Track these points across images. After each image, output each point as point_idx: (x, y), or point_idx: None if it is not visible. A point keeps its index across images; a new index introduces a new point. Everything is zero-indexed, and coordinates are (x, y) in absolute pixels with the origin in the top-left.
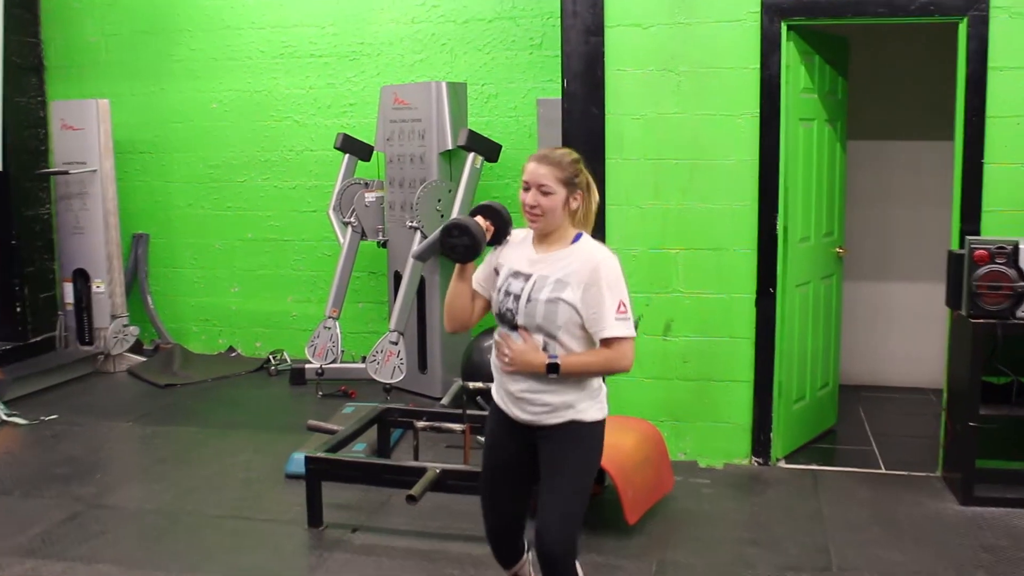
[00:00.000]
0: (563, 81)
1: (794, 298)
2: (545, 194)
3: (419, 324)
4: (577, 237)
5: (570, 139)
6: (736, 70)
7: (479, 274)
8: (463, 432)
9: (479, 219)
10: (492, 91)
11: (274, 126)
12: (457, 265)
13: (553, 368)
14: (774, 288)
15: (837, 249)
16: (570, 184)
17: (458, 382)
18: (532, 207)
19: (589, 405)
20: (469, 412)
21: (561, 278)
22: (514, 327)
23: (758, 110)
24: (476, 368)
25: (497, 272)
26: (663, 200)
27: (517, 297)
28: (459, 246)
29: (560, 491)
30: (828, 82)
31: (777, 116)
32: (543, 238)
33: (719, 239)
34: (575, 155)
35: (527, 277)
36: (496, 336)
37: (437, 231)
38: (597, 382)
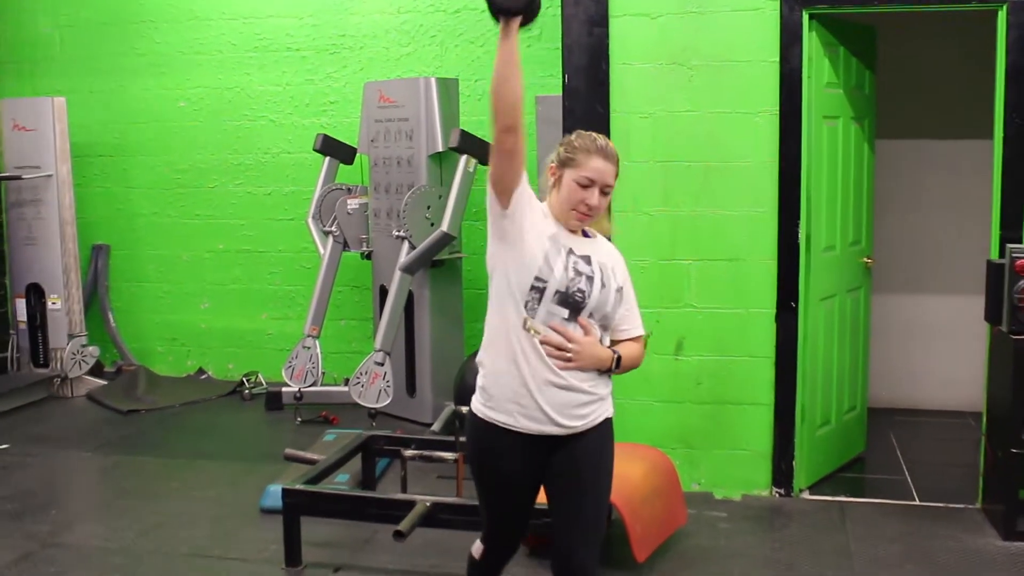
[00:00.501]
0: (564, 76)
1: (818, 313)
2: (605, 195)
3: (407, 343)
4: (585, 232)
5: None
6: (754, 63)
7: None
8: (455, 461)
9: None
10: (486, 88)
11: (247, 126)
12: (503, 24)
13: (618, 362)
14: (796, 302)
15: (865, 259)
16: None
17: (450, 406)
18: (593, 208)
19: (608, 397)
20: (462, 439)
21: (613, 267)
22: (573, 313)
23: (778, 107)
24: (470, 391)
25: (534, 226)
26: (674, 206)
27: (591, 279)
28: (514, 4)
29: (595, 498)
30: (854, 76)
31: (799, 113)
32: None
33: (735, 249)
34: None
35: (588, 259)
36: (536, 326)
37: (427, 240)
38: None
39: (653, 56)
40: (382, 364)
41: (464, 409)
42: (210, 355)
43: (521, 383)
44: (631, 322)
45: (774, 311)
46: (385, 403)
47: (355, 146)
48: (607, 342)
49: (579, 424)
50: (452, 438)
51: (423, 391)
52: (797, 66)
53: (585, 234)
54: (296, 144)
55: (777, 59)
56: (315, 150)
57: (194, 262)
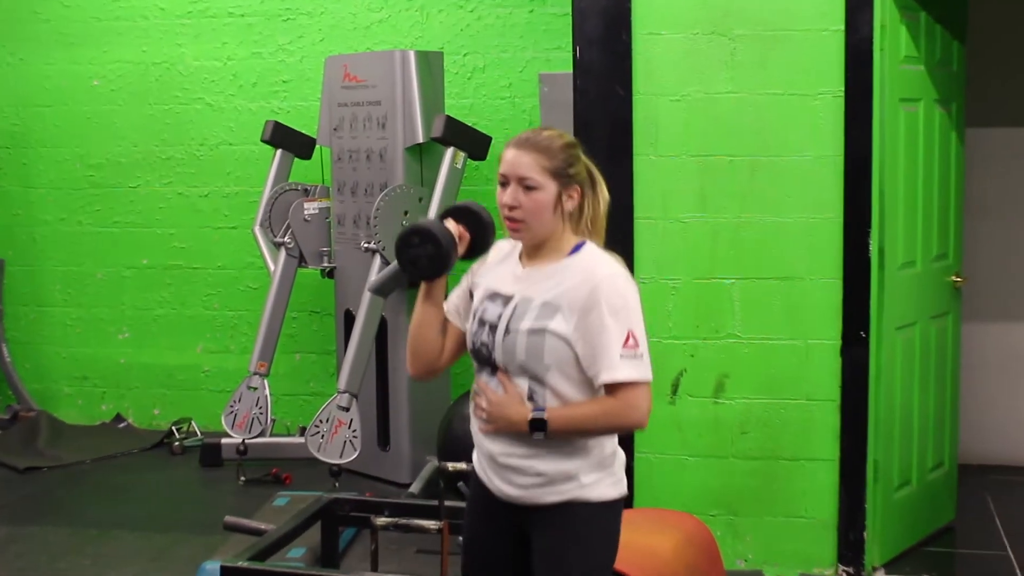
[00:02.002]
0: (575, 49)
1: (894, 345)
2: (528, 190)
3: (379, 383)
4: (577, 247)
5: (585, 128)
6: (813, 33)
7: (453, 298)
8: (440, 531)
9: (450, 223)
10: (478, 63)
11: (179, 111)
12: (423, 285)
13: (538, 425)
14: (867, 332)
15: (953, 278)
16: (562, 176)
17: (432, 462)
18: (511, 208)
19: (598, 478)
20: (448, 504)
21: (549, 300)
22: (493, 367)
23: (843, 88)
24: (457, 442)
25: (472, 294)
26: (713, 212)
27: (493, 327)
28: (421, 257)
29: None
30: (939, 49)
31: (869, 96)
32: (534, 251)
33: (790, 265)
34: (569, 138)
35: (507, 300)
36: (475, 384)
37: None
38: (610, 445)
39: (687, 24)
40: (347, 409)
41: (450, 466)
42: (130, 398)
43: (473, 428)
44: (598, 363)
45: (839, 343)
46: (351, 458)
47: (313, 136)
48: (569, 396)
49: (515, 494)
50: (435, 502)
51: (399, 443)
52: (867, 36)
53: (576, 249)
54: (240, 133)
55: (842, 27)
56: (264, 141)
57: (111, 281)
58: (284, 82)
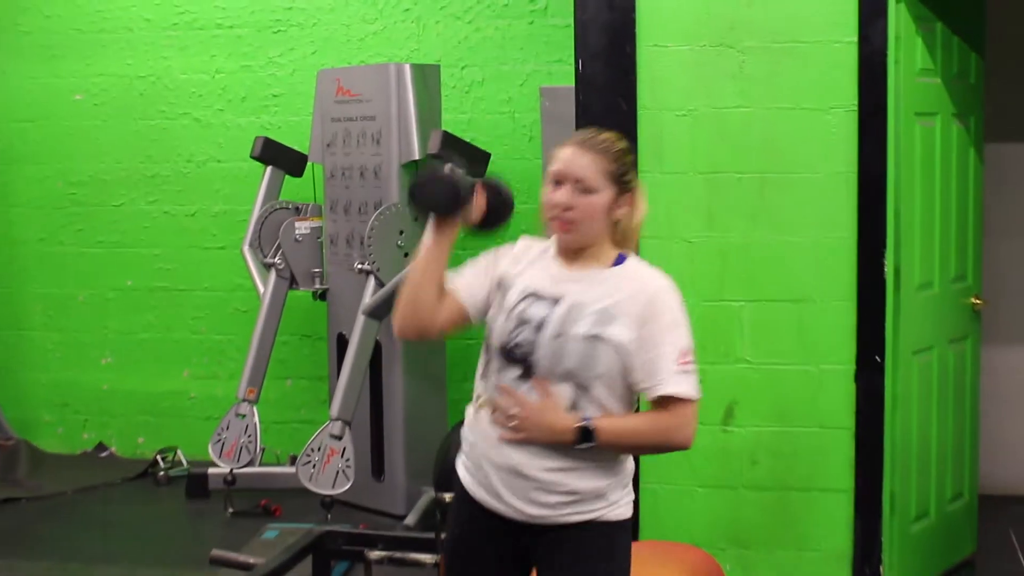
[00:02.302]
0: (577, 62)
1: (911, 371)
2: (585, 192)
3: (373, 410)
4: (621, 257)
5: None
6: (824, 44)
7: (468, 274)
8: (437, 566)
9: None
10: (477, 76)
11: (165, 126)
12: (432, 224)
13: (586, 435)
14: (882, 356)
15: (973, 300)
16: (620, 182)
17: (429, 493)
18: (565, 209)
19: (620, 496)
20: (445, 536)
21: (607, 307)
22: (526, 372)
23: (856, 101)
24: (455, 473)
25: (500, 287)
26: (721, 231)
27: (539, 327)
28: (435, 195)
29: None
30: (956, 61)
31: (884, 110)
32: (574, 254)
33: (802, 286)
34: (625, 143)
35: (554, 301)
36: (485, 389)
37: (400, 275)
38: (629, 463)
39: (694, 36)
40: (340, 438)
41: (448, 497)
42: (114, 426)
43: (478, 447)
44: (653, 375)
45: (853, 368)
46: (344, 488)
47: (305, 152)
48: (609, 408)
49: (541, 514)
50: (431, 535)
51: (394, 473)
52: (881, 47)
53: (620, 260)
54: (228, 150)
55: (855, 38)
56: (253, 157)
57: (94, 304)
58: (275, 96)
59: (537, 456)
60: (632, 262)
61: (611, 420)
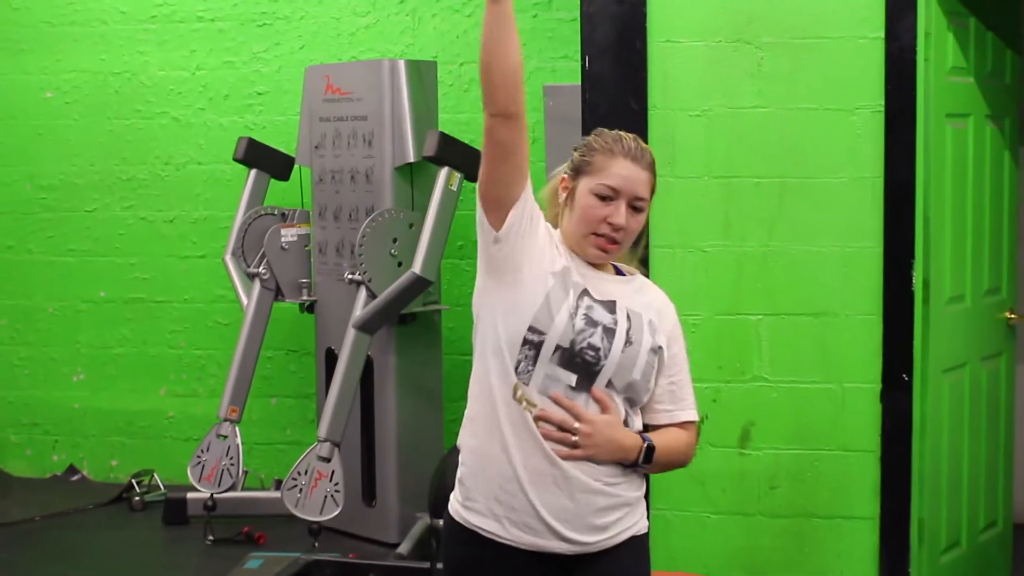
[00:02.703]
0: (584, 59)
1: (941, 390)
2: (637, 211)
3: (364, 431)
4: (615, 266)
5: None
6: (849, 40)
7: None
8: None
9: None
10: (476, 74)
11: (141, 126)
12: None
13: (650, 453)
14: (910, 375)
15: (1007, 314)
16: (652, 197)
17: (424, 520)
18: (618, 230)
19: (643, 506)
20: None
21: (653, 320)
22: (587, 381)
23: (882, 102)
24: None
25: (552, 267)
26: (737, 240)
27: (610, 333)
28: None
29: None
30: (990, 59)
31: (912, 111)
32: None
33: (824, 299)
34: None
35: (610, 306)
36: (529, 396)
37: (393, 286)
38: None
39: (709, 31)
40: (329, 460)
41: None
42: (85, 447)
43: (510, 475)
44: (678, 400)
45: (878, 387)
46: (333, 514)
47: (292, 155)
48: (636, 425)
49: (594, 540)
50: (427, 564)
51: (386, 498)
52: (910, 44)
53: (618, 271)
54: (210, 151)
55: (882, 34)
56: (236, 160)
57: (65, 316)
58: (259, 94)
59: (599, 471)
60: (639, 274)
61: (662, 439)
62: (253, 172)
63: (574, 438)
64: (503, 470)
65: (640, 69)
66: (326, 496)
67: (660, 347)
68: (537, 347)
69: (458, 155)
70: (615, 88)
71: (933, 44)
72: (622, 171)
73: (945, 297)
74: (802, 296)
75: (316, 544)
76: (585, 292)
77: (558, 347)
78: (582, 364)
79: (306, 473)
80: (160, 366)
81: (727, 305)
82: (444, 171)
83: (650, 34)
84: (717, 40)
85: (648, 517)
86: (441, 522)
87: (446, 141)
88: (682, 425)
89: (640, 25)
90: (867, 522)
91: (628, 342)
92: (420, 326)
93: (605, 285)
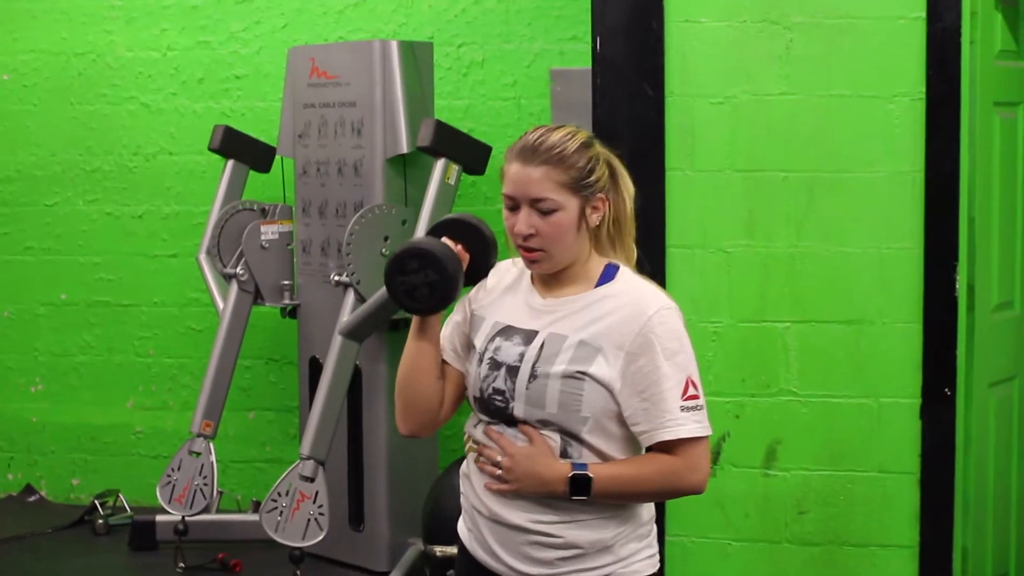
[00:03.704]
0: (595, 41)
1: (987, 405)
2: (545, 213)
3: (351, 448)
4: (609, 271)
5: (605, 136)
6: (887, 21)
7: (447, 332)
8: None
9: (447, 242)
10: (476, 56)
11: (107, 113)
12: (414, 320)
13: (581, 485)
14: (953, 388)
15: None
16: (583, 188)
17: (416, 546)
18: (526, 237)
19: (636, 548)
20: None
21: (586, 339)
22: (510, 421)
23: (924, 88)
24: (446, 521)
25: (471, 326)
26: (763, 240)
27: (513, 370)
28: (420, 287)
29: None
30: None
31: (956, 98)
32: (553, 278)
33: (858, 305)
34: (582, 134)
35: (528, 337)
36: (473, 433)
37: (384, 289)
38: (648, 511)
39: (733, 10)
40: (312, 480)
41: (438, 550)
42: (44, 465)
43: (471, 485)
44: (655, 418)
45: (918, 402)
46: (316, 540)
47: (273, 144)
48: (606, 454)
49: (537, 572)
50: None
51: (375, 522)
52: (954, 25)
53: (608, 275)
54: (183, 140)
55: (923, 14)
56: (212, 150)
57: (21, 321)
58: (237, 78)
59: (529, 510)
60: (621, 278)
61: (609, 468)
62: (230, 163)
63: (498, 471)
64: (466, 492)
65: (656, 52)
66: (309, 519)
67: (583, 372)
68: (471, 400)
69: (456, 145)
70: (629, 73)
71: (980, 25)
72: (510, 174)
73: (992, 304)
74: (834, 302)
75: (298, 572)
76: (503, 331)
77: (475, 398)
78: (495, 410)
79: (287, 494)
80: (127, 376)
81: (751, 311)
82: (440, 163)
83: (667, 13)
84: (741, 20)
85: (662, 547)
86: (437, 549)
87: (443, 130)
88: (668, 447)
89: (656, 3)
90: (905, 551)
91: (532, 376)
92: None
93: (537, 315)
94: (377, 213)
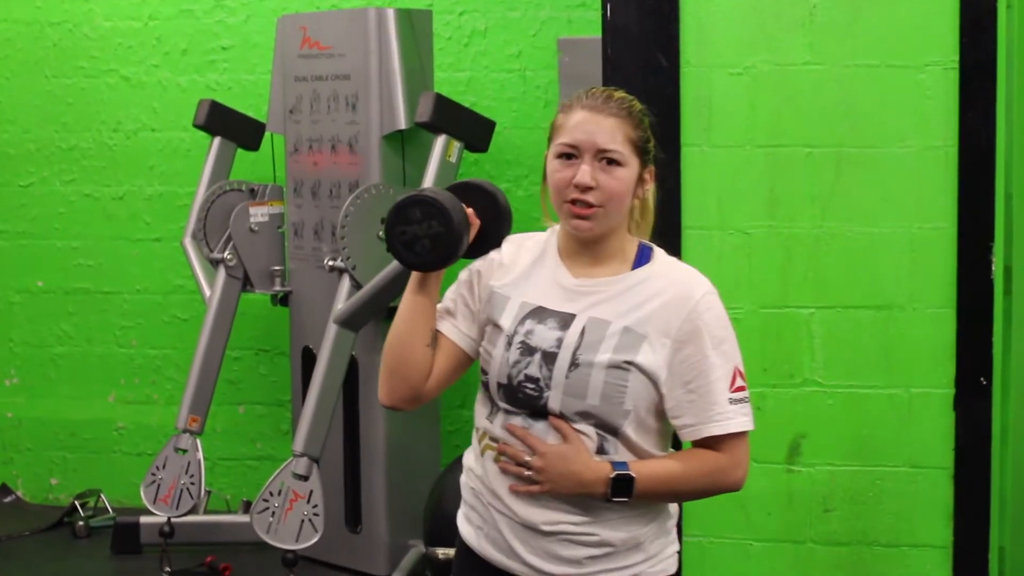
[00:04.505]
0: (605, 7)
1: None
2: (611, 164)
3: (347, 444)
4: (644, 251)
5: None
6: None
7: (448, 303)
8: None
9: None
10: (478, 25)
11: (85, 87)
12: (412, 277)
13: (623, 485)
14: (989, 378)
15: None
16: (644, 151)
17: (417, 548)
18: (585, 190)
19: (663, 547)
20: None
21: (631, 326)
22: (538, 412)
23: (957, 57)
24: (448, 522)
25: (490, 307)
26: (786, 220)
27: (550, 356)
28: (421, 239)
29: None
30: None
31: (992, 67)
32: (587, 251)
33: (887, 290)
34: (640, 103)
35: (566, 320)
36: (490, 428)
37: (381, 274)
38: (674, 505)
39: None
40: (306, 478)
41: (440, 553)
42: (20, 463)
43: (483, 481)
44: (704, 411)
45: (951, 392)
46: (311, 542)
47: (262, 120)
48: (642, 450)
49: (564, 572)
50: None
51: (373, 523)
52: None
53: (643, 256)
54: (166, 116)
55: None
56: (197, 126)
57: None
58: (223, 49)
59: (558, 510)
60: (661, 257)
61: (650, 466)
62: (217, 140)
63: (527, 472)
64: (477, 476)
65: (671, 19)
66: (303, 520)
67: (630, 362)
68: (488, 388)
69: (457, 121)
70: (641, 41)
71: None
72: (575, 121)
73: None
74: (861, 286)
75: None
76: (534, 312)
77: (499, 385)
78: (525, 399)
79: (279, 493)
80: (108, 368)
81: (773, 297)
82: (441, 139)
83: None
84: None
85: (680, 547)
86: (437, 551)
87: (443, 104)
88: (712, 442)
89: None
90: (938, 551)
91: (573, 364)
92: None
93: (570, 296)
94: (373, 193)
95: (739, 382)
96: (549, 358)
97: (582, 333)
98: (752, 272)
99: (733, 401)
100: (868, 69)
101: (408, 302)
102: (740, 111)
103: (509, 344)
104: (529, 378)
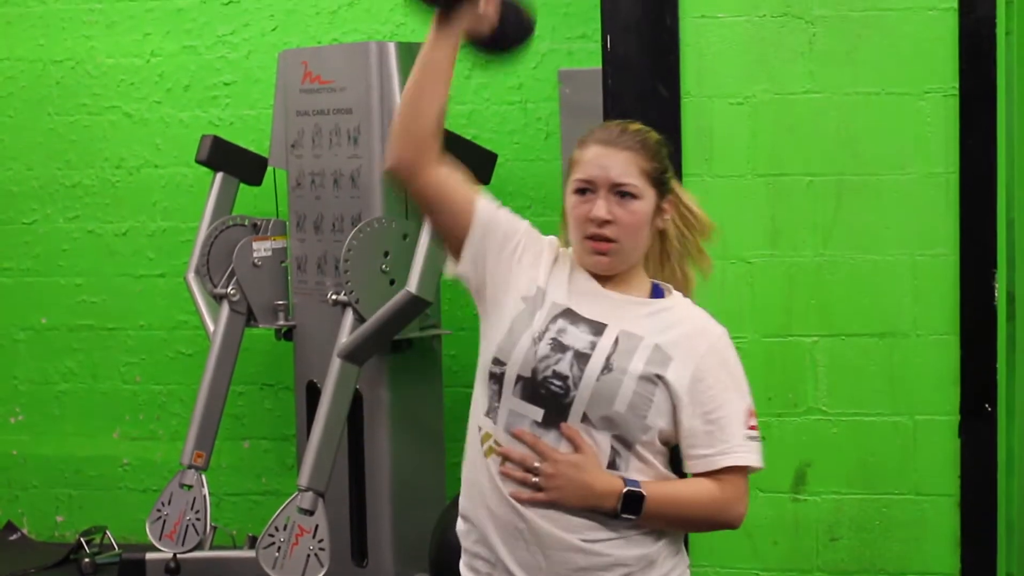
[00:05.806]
0: (605, 39)
1: None
2: (625, 197)
3: (353, 478)
4: (657, 289)
5: None
6: (917, 12)
7: (503, 216)
8: None
9: None
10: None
11: (88, 124)
12: (432, 25)
13: (633, 502)
14: (993, 404)
15: None
16: (662, 183)
17: None
18: (601, 224)
19: (674, 565)
20: None
21: (661, 344)
22: (553, 415)
23: (957, 84)
24: (455, 555)
25: (527, 287)
26: (788, 249)
27: (583, 357)
28: None
29: None
30: None
31: (992, 93)
32: (601, 280)
33: (890, 317)
34: (658, 135)
35: (598, 328)
36: (494, 431)
37: (385, 308)
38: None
39: (751, 3)
40: (312, 513)
41: None
42: (26, 501)
43: (484, 525)
44: (719, 443)
45: (956, 419)
46: None
47: (264, 155)
48: (652, 469)
49: None
50: None
51: (379, 556)
52: (989, 15)
53: (657, 292)
54: (168, 152)
55: (955, 4)
56: (199, 162)
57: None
58: (226, 85)
59: (569, 525)
60: (677, 297)
61: (661, 487)
62: (219, 176)
63: (535, 479)
64: (479, 518)
65: (671, 50)
66: (309, 555)
67: (660, 376)
68: (500, 380)
69: (459, 153)
70: (642, 72)
71: (1016, 14)
72: (589, 156)
73: None
74: (865, 314)
75: None
76: (565, 313)
77: (519, 377)
78: (548, 396)
79: (285, 528)
80: (112, 405)
81: (776, 325)
82: None
83: (682, 8)
84: (761, 14)
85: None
86: None
87: (445, 137)
88: (719, 475)
89: None
90: None
91: (607, 368)
92: (417, 354)
93: (605, 304)
94: (376, 227)
95: (752, 421)
96: (582, 358)
97: (616, 342)
98: (755, 301)
99: (748, 438)
100: (868, 97)
101: (423, 56)
102: (741, 141)
103: (539, 339)
104: (557, 374)
